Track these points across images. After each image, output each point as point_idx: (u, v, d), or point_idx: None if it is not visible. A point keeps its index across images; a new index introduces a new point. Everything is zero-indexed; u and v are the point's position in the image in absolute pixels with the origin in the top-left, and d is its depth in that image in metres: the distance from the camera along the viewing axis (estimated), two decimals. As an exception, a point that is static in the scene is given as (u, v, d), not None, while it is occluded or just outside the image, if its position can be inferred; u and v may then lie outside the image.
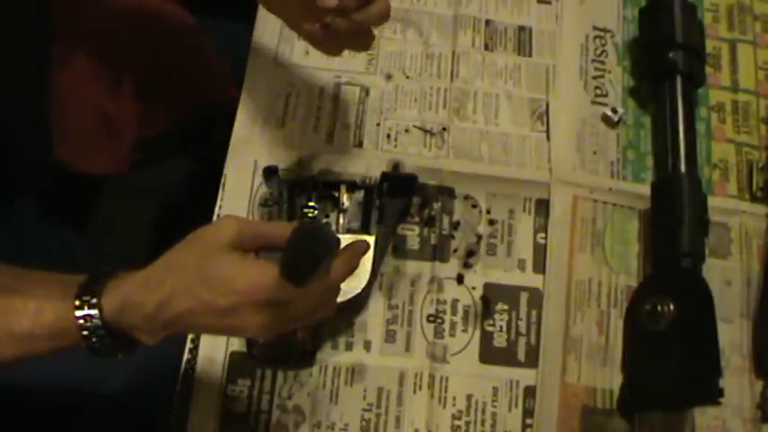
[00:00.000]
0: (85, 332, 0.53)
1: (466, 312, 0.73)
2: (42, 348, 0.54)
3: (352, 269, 0.59)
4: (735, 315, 0.74)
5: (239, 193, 0.74)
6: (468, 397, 0.70)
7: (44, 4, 0.70)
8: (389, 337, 0.71)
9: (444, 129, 0.79)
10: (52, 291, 0.54)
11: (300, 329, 0.68)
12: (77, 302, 0.53)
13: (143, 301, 0.53)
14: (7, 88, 0.68)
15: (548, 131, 0.80)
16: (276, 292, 0.51)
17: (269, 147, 0.76)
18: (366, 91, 0.80)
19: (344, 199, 0.72)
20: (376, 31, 0.79)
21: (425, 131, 0.79)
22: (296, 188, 0.71)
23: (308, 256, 0.50)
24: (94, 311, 0.53)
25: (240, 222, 0.54)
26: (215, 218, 0.73)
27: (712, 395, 0.66)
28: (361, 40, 0.65)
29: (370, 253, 0.69)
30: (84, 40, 0.75)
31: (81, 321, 0.53)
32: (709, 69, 0.84)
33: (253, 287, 0.52)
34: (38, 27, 0.70)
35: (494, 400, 0.70)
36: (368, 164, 0.76)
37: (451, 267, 0.74)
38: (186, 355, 0.68)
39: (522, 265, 0.75)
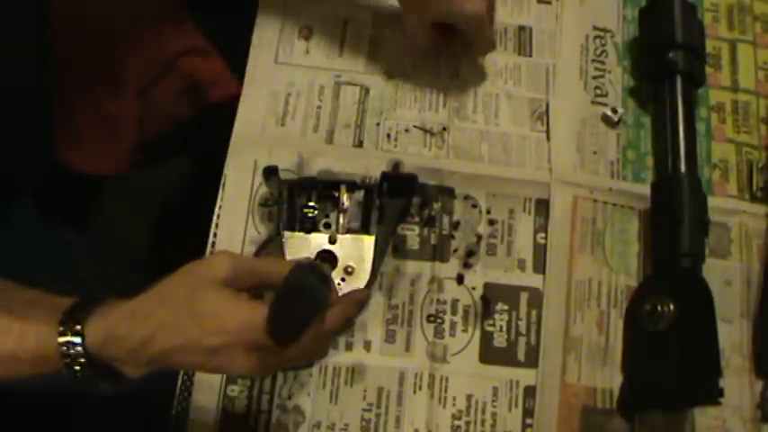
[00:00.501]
0: (67, 359, 0.51)
1: (466, 312, 0.73)
2: (25, 372, 0.53)
3: (348, 318, 0.58)
4: (735, 315, 0.74)
5: (239, 193, 0.74)
6: (468, 397, 0.70)
7: (44, 3, 0.70)
8: (389, 337, 0.71)
9: (444, 129, 0.79)
10: (39, 313, 0.53)
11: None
12: (61, 328, 0.51)
13: (128, 334, 0.51)
14: (7, 88, 0.68)
15: (548, 131, 0.80)
16: (266, 336, 0.50)
17: (269, 147, 0.76)
18: (366, 91, 0.80)
19: (344, 199, 0.72)
20: (375, 31, 0.79)
21: (425, 131, 0.79)
22: (296, 188, 0.71)
23: (293, 319, 0.49)
24: (77, 339, 0.51)
25: (234, 258, 0.54)
26: (214, 218, 0.73)
27: (712, 395, 0.66)
28: None
29: (371, 253, 0.69)
30: (85, 39, 0.75)
31: (63, 348, 0.51)
32: (709, 69, 0.84)
33: (243, 328, 0.51)
34: (38, 27, 0.70)
35: (494, 400, 0.70)
36: (368, 164, 0.76)
37: (451, 267, 0.74)
38: (186, 355, 0.68)
39: (522, 265, 0.75)
